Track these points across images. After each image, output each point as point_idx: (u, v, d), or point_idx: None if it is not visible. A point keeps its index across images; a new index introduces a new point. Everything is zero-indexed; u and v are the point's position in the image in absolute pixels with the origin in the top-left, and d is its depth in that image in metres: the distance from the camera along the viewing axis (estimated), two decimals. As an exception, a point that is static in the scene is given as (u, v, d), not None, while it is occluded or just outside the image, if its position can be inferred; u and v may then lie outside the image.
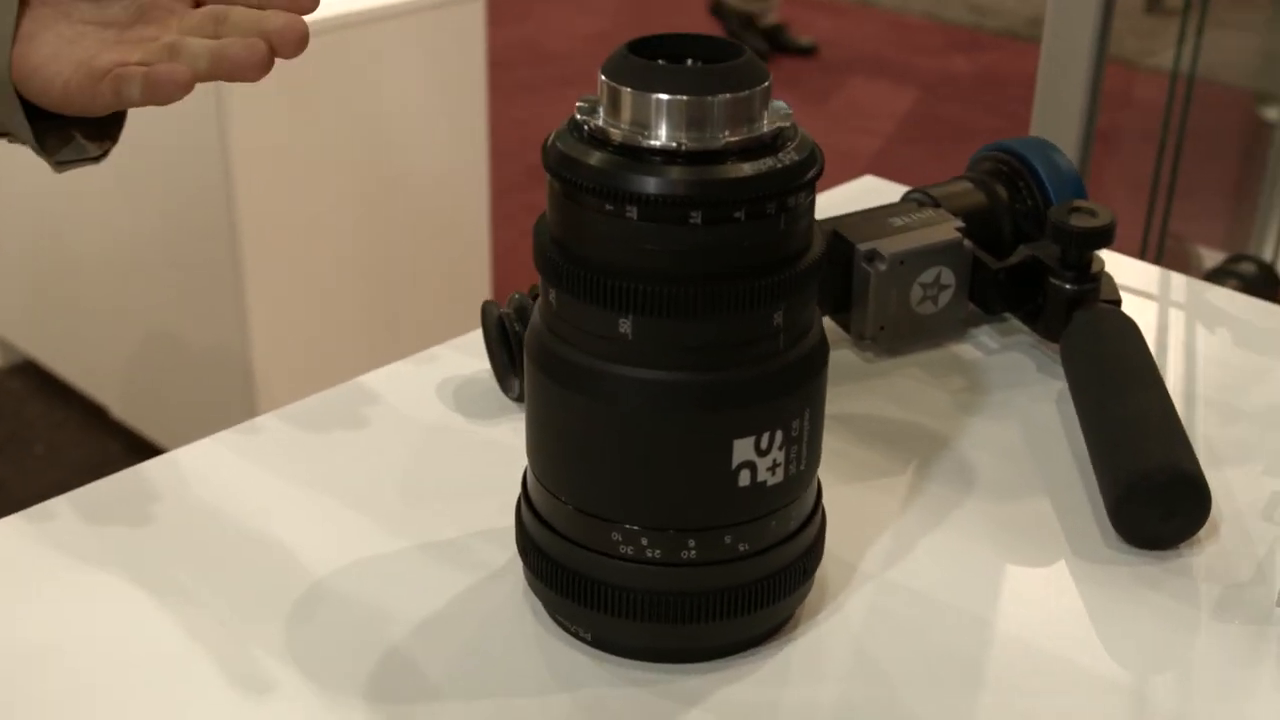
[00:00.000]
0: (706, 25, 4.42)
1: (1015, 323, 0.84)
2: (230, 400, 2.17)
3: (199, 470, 0.70)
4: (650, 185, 0.51)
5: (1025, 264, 0.79)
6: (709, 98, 0.51)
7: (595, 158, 0.52)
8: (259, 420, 0.74)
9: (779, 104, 0.54)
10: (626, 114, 0.52)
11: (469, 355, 0.80)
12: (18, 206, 2.53)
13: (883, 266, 0.78)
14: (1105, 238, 0.76)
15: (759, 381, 0.54)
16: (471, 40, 2.28)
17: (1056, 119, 1.13)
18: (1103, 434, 0.68)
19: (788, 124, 0.53)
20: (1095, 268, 0.78)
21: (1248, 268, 1.49)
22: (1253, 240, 1.64)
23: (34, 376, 2.69)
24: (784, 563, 0.58)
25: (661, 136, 0.52)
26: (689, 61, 0.54)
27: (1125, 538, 0.66)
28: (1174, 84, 1.28)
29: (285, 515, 0.67)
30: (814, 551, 0.59)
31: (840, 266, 0.79)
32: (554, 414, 0.55)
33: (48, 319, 2.59)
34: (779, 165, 0.52)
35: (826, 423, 0.70)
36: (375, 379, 0.78)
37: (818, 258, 0.54)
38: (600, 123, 0.53)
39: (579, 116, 0.54)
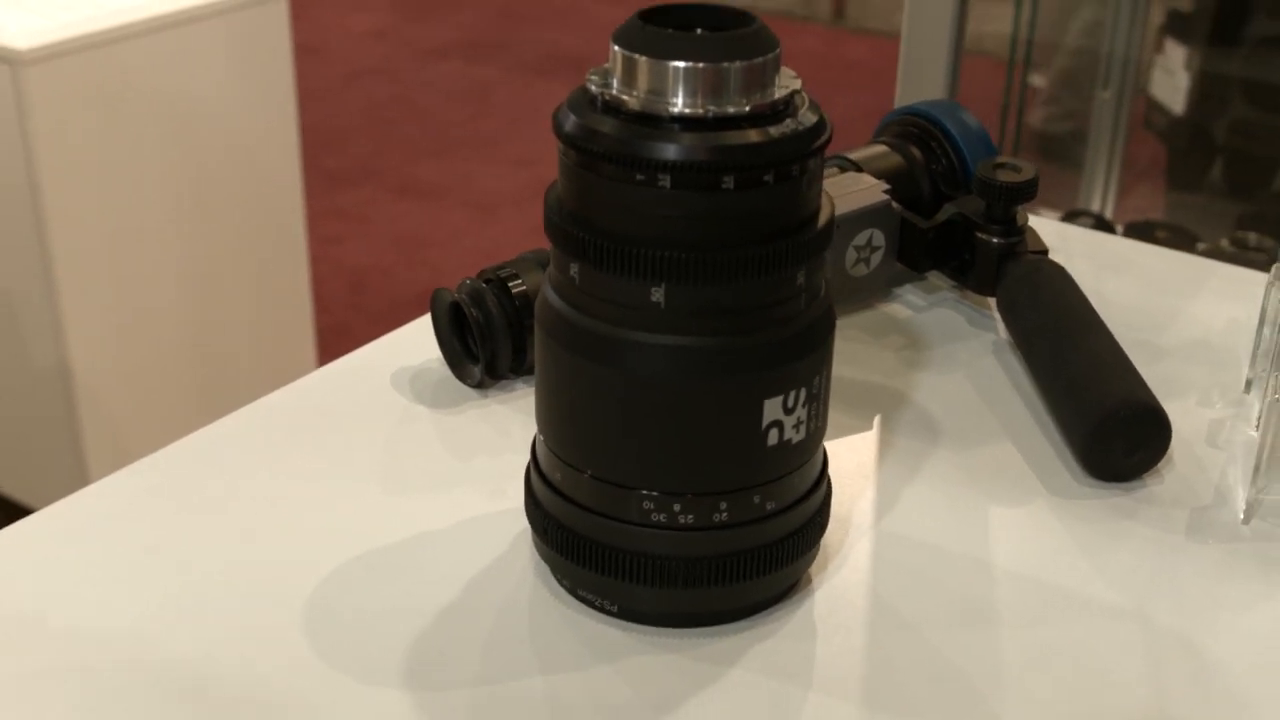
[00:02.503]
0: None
1: (936, 279, 0.87)
2: (52, 424, 2.09)
3: (157, 484, 0.68)
4: (681, 152, 0.51)
5: (952, 221, 0.82)
6: (726, 64, 0.52)
7: (615, 127, 0.52)
8: (214, 427, 0.72)
9: (788, 70, 0.55)
10: (643, 82, 0.53)
11: (412, 347, 0.79)
12: None
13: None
14: (1030, 191, 0.79)
15: (786, 342, 0.54)
16: (277, 39, 2.24)
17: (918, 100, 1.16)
18: (1061, 377, 0.71)
19: (798, 89, 0.54)
20: (1020, 221, 0.81)
21: (1086, 221, 1.56)
22: (1081, 197, 1.72)
23: None
24: (806, 518, 0.59)
25: (678, 104, 0.52)
26: (699, 31, 0.54)
27: (1093, 473, 0.69)
28: (1013, 52, 1.33)
29: (270, 521, 0.65)
30: (827, 506, 0.61)
31: (776, 234, 0.80)
32: (579, 387, 0.55)
33: None
34: (800, 128, 0.53)
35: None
36: (325, 376, 0.77)
37: (831, 217, 0.55)
38: (614, 91, 0.53)
39: (592, 88, 0.54)
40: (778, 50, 0.54)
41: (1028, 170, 0.80)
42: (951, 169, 0.85)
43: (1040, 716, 0.55)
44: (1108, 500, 0.68)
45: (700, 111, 0.52)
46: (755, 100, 0.53)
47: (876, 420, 0.74)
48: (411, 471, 0.69)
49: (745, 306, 0.53)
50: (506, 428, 0.72)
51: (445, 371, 0.76)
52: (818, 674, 0.57)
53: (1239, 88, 1.88)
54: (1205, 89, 1.89)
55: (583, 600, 0.60)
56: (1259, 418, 0.73)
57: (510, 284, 0.74)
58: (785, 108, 0.54)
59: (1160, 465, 0.70)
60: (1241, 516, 0.67)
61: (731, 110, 0.52)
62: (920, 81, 1.17)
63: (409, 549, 0.63)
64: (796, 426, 0.56)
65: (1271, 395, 0.66)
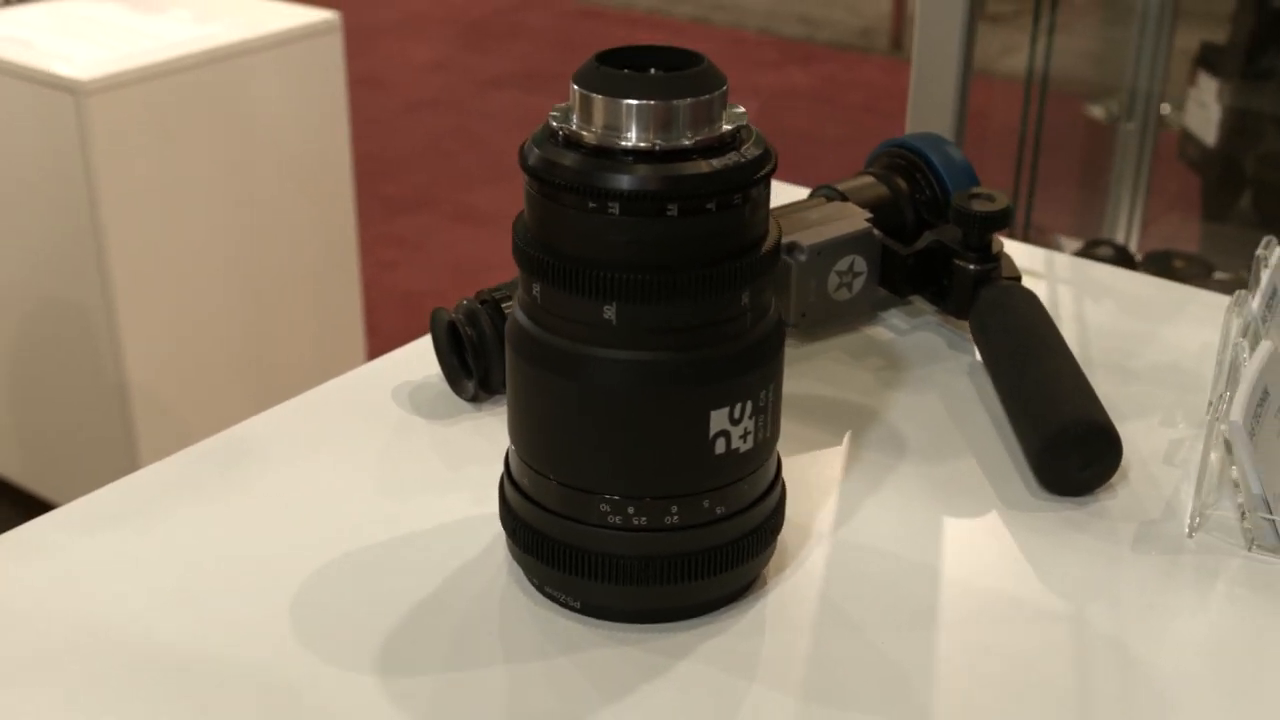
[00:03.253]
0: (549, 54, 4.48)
1: (920, 304, 0.91)
2: (111, 443, 2.16)
3: (167, 487, 0.73)
4: (630, 183, 0.56)
5: (931, 248, 0.86)
6: (675, 102, 0.57)
7: (574, 159, 0.57)
8: (226, 434, 0.77)
9: (736, 107, 0.59)
10: (599, 119, 0.57)
11: (416, 363, 0.84)
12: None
13: (802, 257, 0.84)
14: (1004, 220, 0.83)
15: (732, 358, 0.59)
16: (331, 70, 2.31)
17: (929, 127, 1.20)
18: (1021, 396, 0.75)
19: (744, 124, 0.59)
20: (995, 248, 0.85)
21: (1105, 251, 1.59)
22: (1105, 226, 1.75)
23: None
24: (756, 523, 0.63)
25: (634, 138, 0.57)
26: (652, 70, 0.59)
27: (1048, 487, 0.72)
28: (1029, 85, 1.37)
29: (269, 522, 0.70)
30: (780, 512, 0.65)
31: (762, 259, 0.85)
32: (543, 399, 0.60)
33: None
34: (743, 160, 0.57)
35: (768, 402, 0.75)
36: (333, 388, 0.82)
37: (777, 242, 0.60)
38: (574, 127, 0.58)
39: (554, 124, 0.58)
40: (724, 88, 0.58)
41: (1001, 200, 0.83)
42: (935, 199, 0.89)
43: (965, 712, 0.59)
44: (1060, 513, 0.71)
45: (649, 145, 0.56)
46: (702, 134, 0.57)
47: (847, 436, 0.78)
48: (404, 477, 0.74)
49: (691, 324, 0.58)
50: (497, 438, 0.76)
51: (444, 386, 0.81)
52: (762, 668, 0.61)
53: (1270, 121, 1.90)
54: (1236, 122, 1.91)
55: (549, 597, 0.64)
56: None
57: (503, 304, 0.79)
58: (731, 141, 0.58)
59: (1116, 481, 0.74)
60: (1187, 530, 0.70)
61: (678, 144, 0.56)
62: (929, 108, 1.21)
63: (394, 547, 0.68)
64: (744, 436, 0.60)
65: (1214, 413, 0.70)
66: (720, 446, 0.60)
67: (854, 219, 0.86)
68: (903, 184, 0.90)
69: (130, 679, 0.59)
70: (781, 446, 0.74)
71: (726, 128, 0.58)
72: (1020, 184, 1.46)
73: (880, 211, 0.88)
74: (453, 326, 0.79)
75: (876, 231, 0.86)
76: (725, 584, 0.63)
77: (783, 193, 1.00)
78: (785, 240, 0.84)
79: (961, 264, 0.84)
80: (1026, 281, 0.94)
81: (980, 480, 0.74)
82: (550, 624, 0.63)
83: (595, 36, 5.16)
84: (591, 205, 0.56)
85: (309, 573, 0.66)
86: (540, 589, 0.65)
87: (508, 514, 0.64)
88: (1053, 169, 1.73)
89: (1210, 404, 0.81)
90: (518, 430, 0.62)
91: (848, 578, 0.66)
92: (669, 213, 0.56)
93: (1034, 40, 1.41)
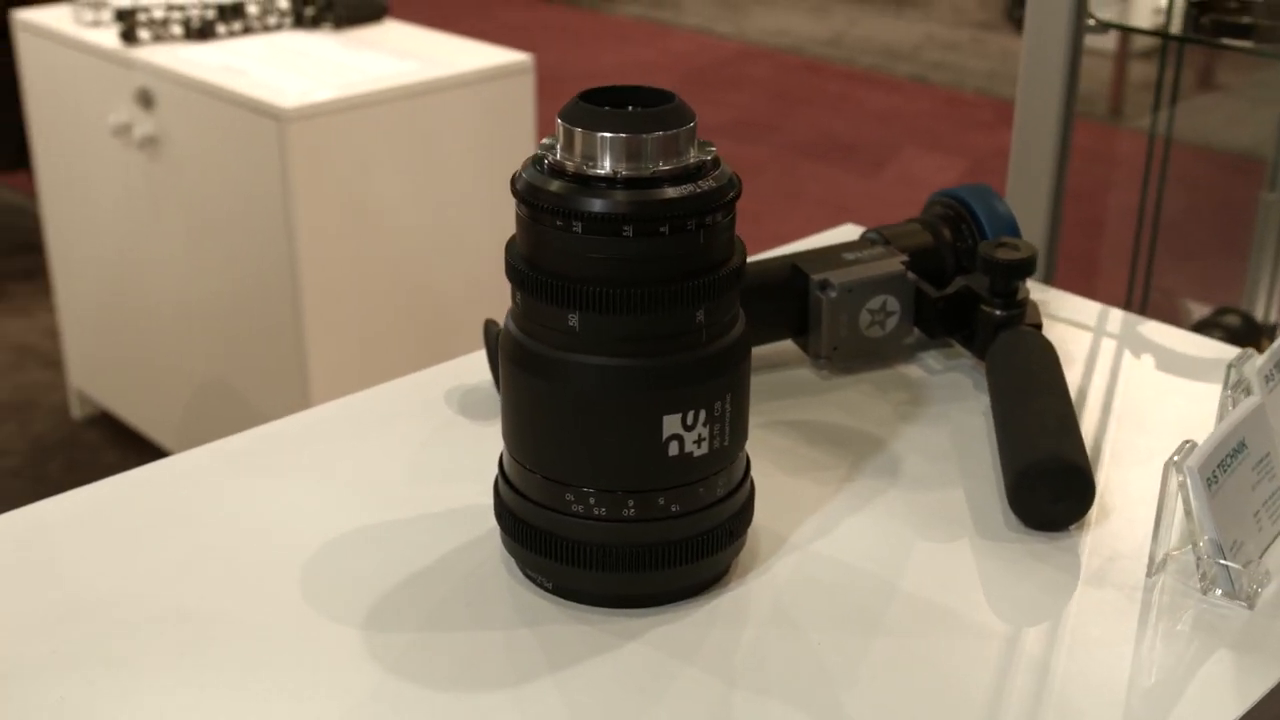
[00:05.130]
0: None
1: (959, 347, 0.95)
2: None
3: (233, 458, 0.82)
4: (592, 205, 0.63)
5: (960, 293, 0.90)
6: (642, 135, 0.64)
7: (552, 185, 0.64)
8: (296, 418, 0.87)
9: (707, 144, 0.66)
10: (578, 150, 0.64)
11: (472, 369, 0.92)
12: (94, 268, 2.70)
13: (833, 294, 0.89)
14: (1027, 268, 0.87)
15: (683, 368, 0.65)
16: (522, 109, 2.43)
17: (1029, 173, 1.24)
18: (1006, 432, 0.79)
19: (709, 158, 0.65)
20: (1020, 296, 0.89)
21: (1232, 320, 1.59)
22: (1243, 295, 1.74)
23: (109, 427, 2.84)
24: (712, 524, 0.69)
25: (605, 167, 0.64)
26: (629, 108, 0.66)
27: (1021, 519, 0.77)
28: (1151, 143, 1.39)
29: (305, 495, 0.79)
30: (740, 517, 0.71)
31: (798, 294, 0.91)
32: (520, 394, 0.67)
33: (122, 373, 2.75)
34: (697, 190, 0.64)
35: (779, 425, 0.82)
36: (395, 388, 0.91)
37: (736, 268, 0.66)
38: (557, 157, 0.65)
39: (540, 153, 0.66)
40: (691, 124, 0.65)
41: (1026, 249, 0.88)
42: (975, 249, 0.94)
43: (876, 712, 0.63)
44: (1029, 545, 0.75)
45: (614, 173, 0.63)
46: (670, 165, 0.64)
47: (849, 460, 0.83)
48: (434, 467, 0.82)
49: (646, 335, 0.64)
50: (526, 440, 0.84)
51: (492, 390, 0.89)
52: (702, 656, 0.67)
53: None
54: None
55: (529, 578, 0.71)
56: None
57: (545, 319, 0.86)
58: (696, 172, 0.65)
59: (1094, 520, 0.77)
60: (1147, 568, 0.74)
61: (641, 172, 0.63)
62: (1029, 153, 1.25)
63: (405, 525, 0.76)
64: (698, 442, 0.67)
65: (1181, 456, 0.73)
66: (674, 449, 0.66)
67: (890, 261, 0.91)
68: (947, 232, 0.95)
69: (146, 623, 0.68)
70: (781, 464, 0.80)
71: (692, 161, 0.65)
72: (1140, 246, 1.47)
73: (921, 256, 0.93)
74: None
75: (911, 274, 0.91)
76: (681, 577, 0.69)
77: (845, 234, 1.05)
78: (818, 277, 0.90)
79: (987, 309, 0.89)
80: (1073, 334, 0.98)
81: (962, 510, 0.78)
82: (523, 601, 0.70)
83: (813, 90, 5.23)
84: (559, 224, 0.63)
85: (327, 539, 0.74)
86: (522, 571, 0.72)
87: (497, 500, 0.72)
88: (1193, 235, 1.73)
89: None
90: (505, 424, 0.70)
91: (805, 583, 0.72)
92: (625, 233, 0.63)
93: (1157, 95, 1.43)
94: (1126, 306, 1.54)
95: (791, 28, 6.06)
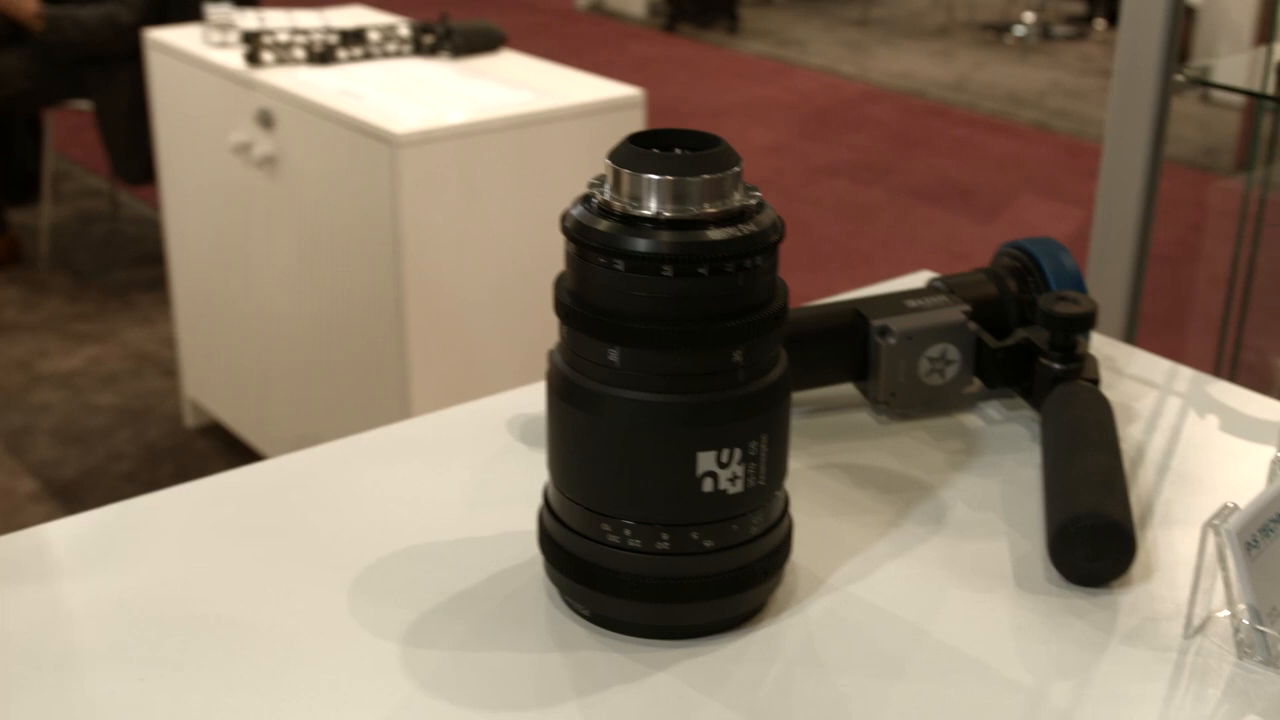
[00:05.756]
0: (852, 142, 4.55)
1: (1020, 399, 0.96)
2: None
3: (300, 473, 0.85)
4: (635, 245, 0.65)
5: (1019, 345, 0.91)
6: (687, 178, 0.65)
7: (599, 223, 0.66)
8: (352, 440, 0.89)
9: (752, 188, 0.68)
10: (625, 190, 0.66)
11: (535, 399, 0.94)
12: (210, 280, 2.78)
13: (892, 340, 0.90)
14: (1086, 323, 0.88)
15: (720, 407, 0.67)
16: (632, 144, 2.45)
17: (1113, 227, 1.24)
18: (1051, 485, 0.80)
19: (754, 202, 0.67)
20: (1080, 350, 0.89)
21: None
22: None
23: (219, 437, 2.91)
24: (745, 561, 0.70)
25: (650, 208, 0.66)
26: (677, 151, 0.68)
27: (1061, 574, 0.77)
28: (1245, 203, 1.37)
29: (359, 512, 0.81)
30: (775, 555, 0.72)
31: (859, 339, 0.92)
32: (562, 425, 0.69)
33: (233, 384, 2.82)
34: (739, 233, 0.65)
35: (831, 468, 0.84)
36: (460, 413, 0.93)
37: (775, 311, 0.67)
38: (606, 196, 0.67)
39: (590, 191, 0.68)
40: (736, 169, 0.67)
41: (1086, 304, 0.88)
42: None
43: (894, 751, 0.64)
44: (1067, 600, 0.76)
45: (658, 214, 0.65)
46: (714, 208, 0.66)
47: (895, 506, 0.84)
48: (489, 491, 0.84)
49: (683, 373, 0.66)
50: (580, 470, 0.86)
51: (554, 420, 0.91)
52: (726, 690, 0.68)
53: None
54: None
55: (569, 605, 0.73)
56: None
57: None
58: (739, 216, 0.66)
59: (1136, 578, 0.77)
60: (1184, 630, 0.73)
61: (684, 214, 0.65)
62: (1114, 206, 1.25)
63: (454, 546, 0.78)
64: (733, 480, 0.68)
65: (1213, 518, 0.73)
66: (709, 485, 0.68)
67: (951, 310, 0.92)
68: (1012, 284, 0.95)
69: (197, 624, 0.71)
70: (827, 505, 0.82)
71: (735, 205, 0.66)
72: (1231, 304, 1.46)
73: (985, 306, 0.94)
74: (562, 367, 0.89)
75: (972, 324, 0.91)
76: (713, 611, 0.71)
77: (916, 281, 1.06)
78: (878, 323, 0.91)
79: (1045, 363, 0.89)
80: (1138, 389, 0.98)
81: (1004, 561, 0.79)
82: (560, 627, 0.72)
83: (934, 134, 5.21)
84: (603, 262, 0.65)
85: (379, 556, 0.77)
86: (562, 597, 0.74)
87: (540, 526, 0.74)
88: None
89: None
90: (549, 452, 0.72)
91: (838, 625, 0.73)
92: (665, 273, 0.64)
93: (1252, 150, 1.42)
94: (1215, 365, 1.52)
95: (916, 70, 6.04)
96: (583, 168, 2.41)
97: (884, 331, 0.90)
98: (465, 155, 2.28)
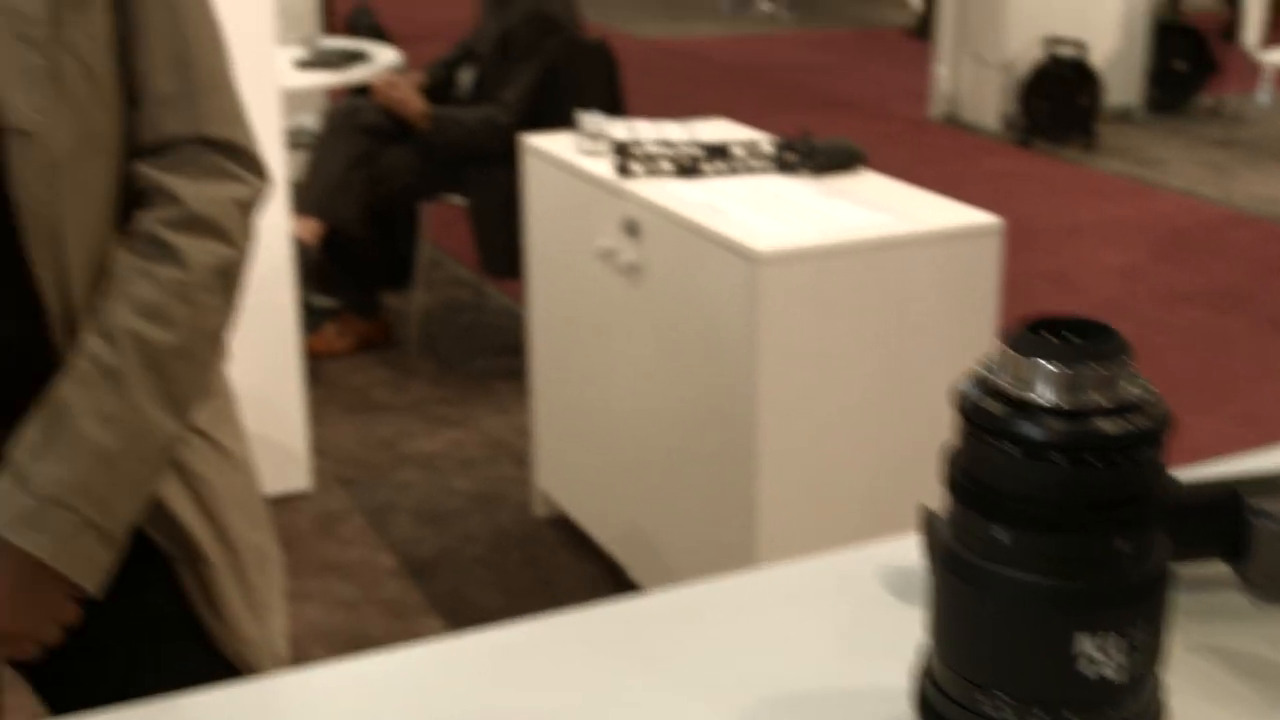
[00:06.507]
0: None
1: None
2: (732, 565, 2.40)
3: (668, 610, 0.91)
4: (1035, 433, 0.67)
5: None
6: (1078, 368, 0.68)
7: (992, 405, 0.69)
8: (707, 586, 0.94)
9: (1140, 377, 0.70)
10: (1018, 375, 0.69)
11: (908, 551, 0.97)
12: (568, 377, 2.90)
13: (1272, 525, 0.89)
14: None
15: (1102, 593, 0.68)
16: (986, 269, 2.45)
17: None
18: None
19: (1139, 393, 0.69)
20: None
21: None
22: None
23: (566, 529, 3.02)
24: (1117, 748, 0.71)
25: (1041, 395, 0.68)
26: (1063, 334, 0.70)
27: None
28: None
29: (733, 655, 0.86)
30: (1148, 749, 0.72)
31: (1236, 519, 0.91)
32: (944, 595, 0.72)
33: (582, 480, 2.93)
34: (1129, 426, 0.67)
35: (1203, 650, 0.83)
36: (822, 563, 0.97)
37: (1160, 503, 0.69)
38: (998, 378, 0.70)
39: (983, 372, 0.71)
40: (1124, 358, 0.69)
41: None
42: None
43: None
44: None
45: (1050, 403, 0.68)
46: (1103, 398, 0.68)
47: (1271, 698, 0.82)
48: (860, 642, 0.87)
49: (1068, 557, 0.68)
50: (946, 627, 0.88)
51: (920, 574, 0.94)
52: None
53: None
54: None
55: (937, 769, 0.76)
56: None
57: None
58: (1129, 409, 0.68)
59: None
60: None
61: (1078, 405, 0.67)
62: None
63: (823, 696, 0.82)
64: (1108, 665, 0.69)
65: None
66: (1084, 668, 0.69)
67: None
68: (1403, 472, 0.93)
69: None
70: (1200, 689, 0.82)
71: (1125, 397, 0.68)
72: None
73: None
74: (933, 524, 0.92)
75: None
76: (1080, 794, 0.72)
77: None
78: (1256, 505, 0.90)
79: None
80: None
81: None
82: (925, 788, 0.74)
83: (1302, 262, 4.99)
84: (995, 444, 0.68)
85: (755, 698, 0.81)
86: (932, 761, 0.76)
87: (916, 688, 0.76)
88: None
89: None
90: (932, 619, 0.75)
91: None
92: (1055, 460, 0.67)
93: None
94: None
95: (1284, 195, 5.81)
96: (937, 292, 2.42)
97: (1261, 514, 0.90)
98: (825, 276, 2.33)
